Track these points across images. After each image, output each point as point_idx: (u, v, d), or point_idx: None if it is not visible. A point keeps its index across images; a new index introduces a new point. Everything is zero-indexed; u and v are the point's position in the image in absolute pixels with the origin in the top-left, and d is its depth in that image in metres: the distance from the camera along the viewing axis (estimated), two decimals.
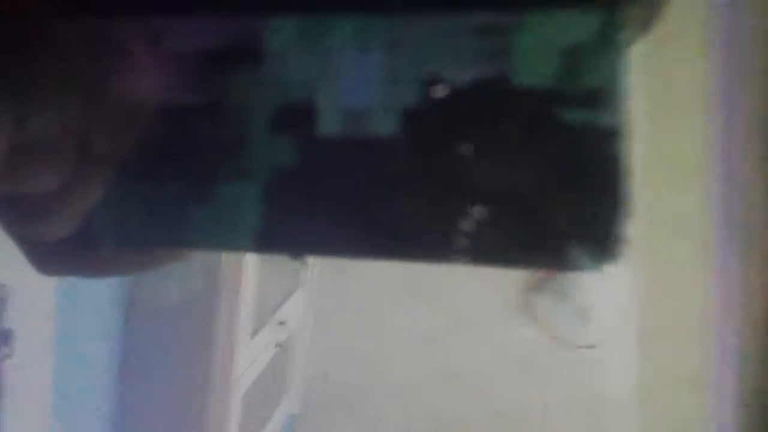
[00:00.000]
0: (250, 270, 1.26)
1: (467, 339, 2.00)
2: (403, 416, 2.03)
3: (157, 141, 0.17)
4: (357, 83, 0.16)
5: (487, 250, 0.16)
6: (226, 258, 1.21)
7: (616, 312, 1.86)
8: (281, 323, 1.65)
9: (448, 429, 2.02)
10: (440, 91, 0.16)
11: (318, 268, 2.00)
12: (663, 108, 1.74)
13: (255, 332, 1.42)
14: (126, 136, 0.16)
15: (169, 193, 0.17)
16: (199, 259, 1.15)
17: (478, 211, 0.16)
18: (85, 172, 0.15)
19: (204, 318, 1.23)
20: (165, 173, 0.17)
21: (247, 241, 0.16)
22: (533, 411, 1.97)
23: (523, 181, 0.16)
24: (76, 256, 0.17)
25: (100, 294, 1.17)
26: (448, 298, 1.99)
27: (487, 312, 1.98)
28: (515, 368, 1.97)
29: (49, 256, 0.17)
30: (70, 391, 1.08)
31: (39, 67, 0.14)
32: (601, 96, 0.15)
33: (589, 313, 1.86)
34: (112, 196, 0.16)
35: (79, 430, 1.14)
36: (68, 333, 1.04)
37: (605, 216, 0.15)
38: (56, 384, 1.03)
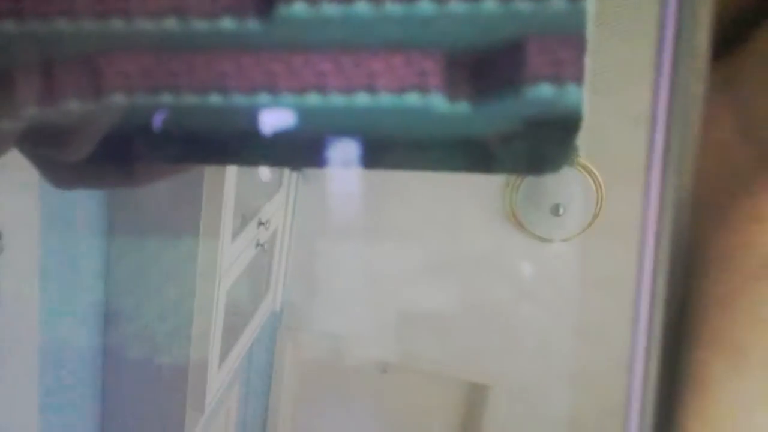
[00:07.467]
0: (230, 174, 1.27)
1: (444, 236, 2.03)
2: (383, 313, 2.10)
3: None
4: None
5: (451, 156, 0.16)
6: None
7: (586, 209, 1.91)
8: (262, 224, 1.67)
9: (425, 319, 2.09)
10: None
11: (296, 171, 2.00)
12: None
13: (237, 233, 1.43)
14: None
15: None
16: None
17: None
18: (100, 103, 0.16)
19: (188, 221, 1.24)
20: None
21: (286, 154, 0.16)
22: (504, 302, 2.04)
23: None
24: (90, 172, 0.18)
25: (83, 201, 1.17)
26: (425, 198, 2.01)
27: (463, 211, 2.01)
28: (489, 263, 2.02)
29: (66, 174, 0.18)
30: (58, 289, 1.10)
31: None
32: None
33: (561, 209, 1.90)
34: (126, 118, 0.17)
35: (67, 323, 1.17)
36: (54, 237, 1.04)
37: (562, 126, 0.16)
38: (43, 280, 1.05)
